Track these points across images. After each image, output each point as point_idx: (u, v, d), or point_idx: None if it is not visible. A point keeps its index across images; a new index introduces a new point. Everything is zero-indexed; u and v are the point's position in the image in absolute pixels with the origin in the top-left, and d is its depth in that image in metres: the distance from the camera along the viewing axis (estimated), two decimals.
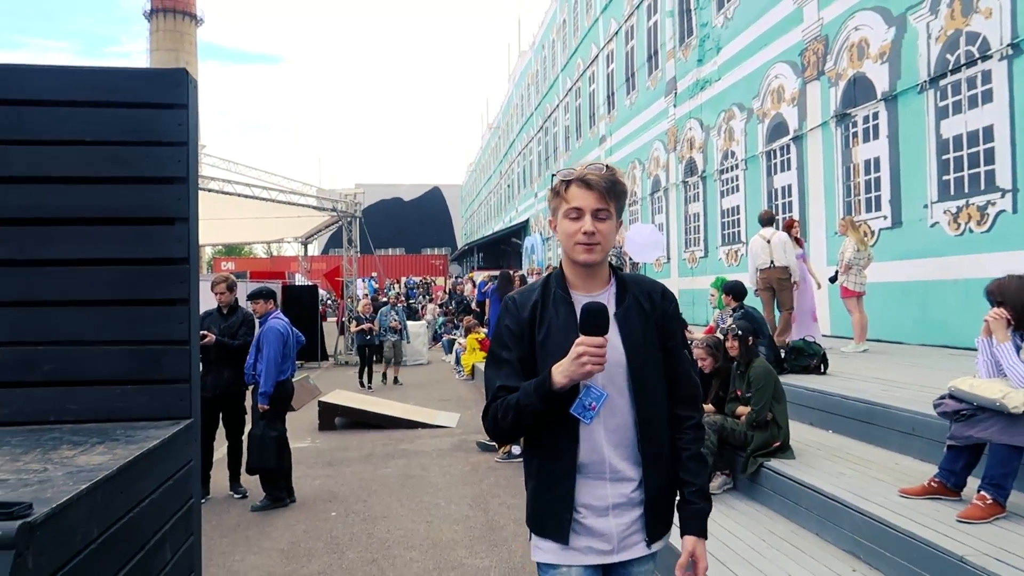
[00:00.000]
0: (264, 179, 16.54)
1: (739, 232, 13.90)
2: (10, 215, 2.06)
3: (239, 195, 15.38)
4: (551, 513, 1.76)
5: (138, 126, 2.15)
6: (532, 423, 1.73)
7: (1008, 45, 7.72)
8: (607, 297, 1.80)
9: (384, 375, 13.71)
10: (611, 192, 1.73)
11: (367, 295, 21.96)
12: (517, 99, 39.85)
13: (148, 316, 2.19)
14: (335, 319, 23.74)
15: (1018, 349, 3.35)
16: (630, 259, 12.26)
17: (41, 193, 2.09)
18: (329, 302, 29.65)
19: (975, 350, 3.63)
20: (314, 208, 18.56)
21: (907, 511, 3.37)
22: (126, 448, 1.82)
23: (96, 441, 1.90)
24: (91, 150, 2.12)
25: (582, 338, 1.61)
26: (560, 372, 1.63)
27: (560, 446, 1.74)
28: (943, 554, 2.90)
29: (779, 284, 7.94)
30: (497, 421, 1.76)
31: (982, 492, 3.24)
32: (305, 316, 15.19)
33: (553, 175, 1.83)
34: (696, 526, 1.78)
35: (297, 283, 23.85)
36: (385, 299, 17.46)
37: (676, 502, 1.82)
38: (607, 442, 1.74)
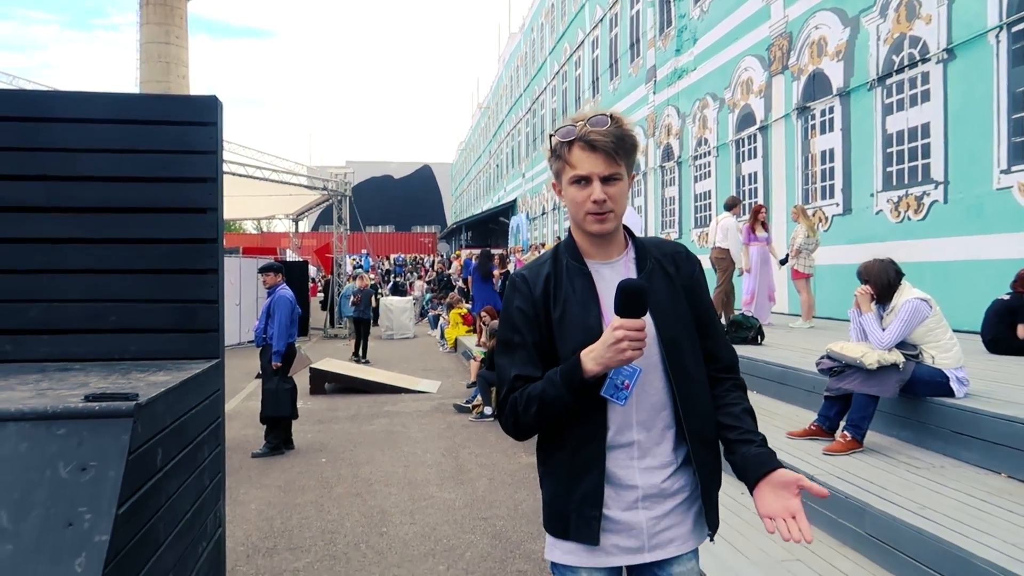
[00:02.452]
0: (257, 158, 17.10)
1: (710, 216, 14.65)
2: (87, 205, 2.79)
3: (233, 174, 15.96)
4: (577, 511, 1.53)
5: (180, 139, 2.87)
6: (561, 416, 1.51)
7: (944, 50, 8.46)
8: (625, 263, 1.61)
9: (363, 352, 13.96)
10: (619, 150, 1.52)
11: (358, 268, 22.69)
12: (507, 80, 40.30)
13: (186, 282, 2.92)
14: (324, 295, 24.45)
15: (880, 318, 4.14)
16: None
17: (109, 189, 2.81)
18: (319, 279, 30.29)
19: None
20: (305, 187, 19.17)
21: (788, 448, 4.18)
22: (178, 373, 2.56)
23: (155, 369, 2.64)
24: (145, 157, 2.84)
25: (619, 321, 1.41)
26: (593, 359, 1.44)
27: (587, 434, 1.52)
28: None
29: (716, 263, 8.70)
30: (518, 416, 1.54)
31: (844, 431, 4.05)
32: (295, 292, 15.85)
33: (551, 135, 1.61)
34: (778, 462, 1.52)
35: (288, 259, 24.51)
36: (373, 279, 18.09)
37: (745, 456, 1.53)
38: (638, 425, 1.54)
